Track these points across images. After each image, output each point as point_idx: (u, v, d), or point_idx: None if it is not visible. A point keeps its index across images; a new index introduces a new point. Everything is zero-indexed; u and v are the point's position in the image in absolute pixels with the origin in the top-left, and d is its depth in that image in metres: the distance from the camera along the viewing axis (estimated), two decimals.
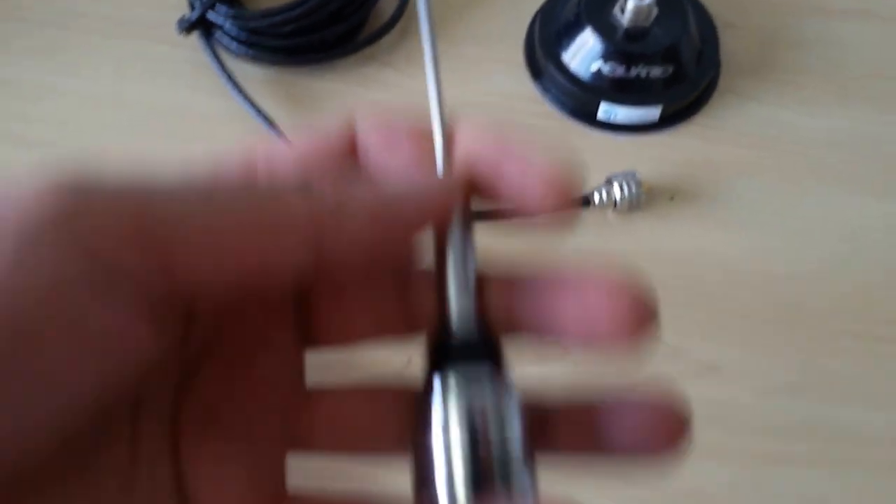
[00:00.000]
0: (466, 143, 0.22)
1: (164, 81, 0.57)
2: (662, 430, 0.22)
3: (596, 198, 0.52)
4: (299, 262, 0.20)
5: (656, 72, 0.55)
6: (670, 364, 0.50)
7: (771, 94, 0.58)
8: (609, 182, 0.52)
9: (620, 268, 0.21)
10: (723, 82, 0.58)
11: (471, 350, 0.22)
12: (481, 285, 0.23)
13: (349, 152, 0.23)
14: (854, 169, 0.55)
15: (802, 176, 0.55)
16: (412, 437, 0.22)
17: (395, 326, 0.24)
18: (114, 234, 0.18)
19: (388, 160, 0.22)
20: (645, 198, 0.52)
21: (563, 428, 0.23)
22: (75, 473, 0.20)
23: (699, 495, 0.47)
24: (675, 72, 0.55)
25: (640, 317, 0.21)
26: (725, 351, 0.50)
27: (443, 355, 0.22)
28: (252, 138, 0.54)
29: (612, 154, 0.55)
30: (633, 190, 0.52)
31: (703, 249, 0.53)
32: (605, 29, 0.55)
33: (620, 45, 0.54)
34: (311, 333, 0.24)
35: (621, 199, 0.51)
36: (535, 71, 0.58)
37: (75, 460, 0.20)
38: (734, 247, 0.53)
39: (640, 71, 0.55)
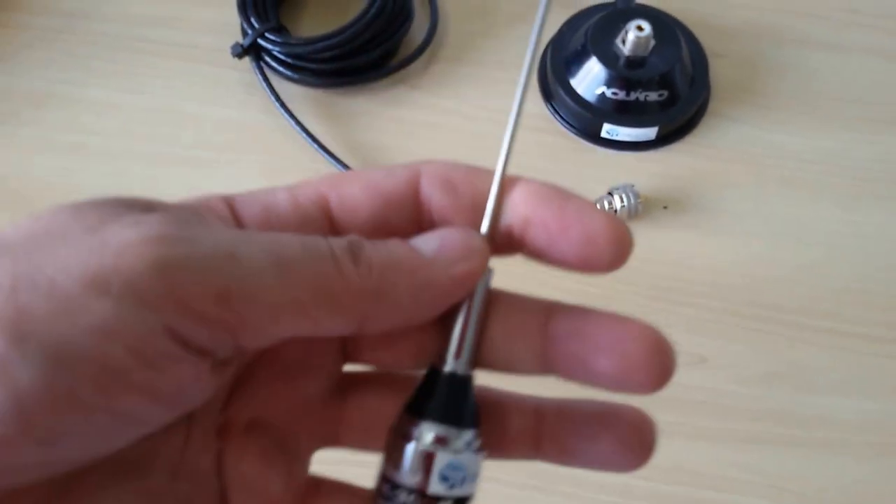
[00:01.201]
0: (523, 202, 0.23)
1: (219, 100, 0.60)
2: (631, 444, 0.23)
3: (598, 208, 0.56)
4: (344, 329, 0.21)
5: (653, 96, 0.58)
6: None
7: (753, 116, 0.60)
8: (610, 193, 0.55)
9: (648, 324, 0.22)
10: (712, 106, 0.61)
11: (453, 406, 0.22)
12: (510, 317, 0.23)
13: (413, 196, 0.23)
14: (824, 183, 0.58)
15: (779, 189, 0.58)
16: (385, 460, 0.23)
17: (419, 353, 0.24)
18: (201, 292, 0.18)
19: (445, 208, 0.23)
20: (642, 207, 0.55)
21: (546, 440, 0.24)
22: (131, 466, 0.21)
23: (686, 471, 0.49)
24: (669, 96, 0.58)
25: (667, 368, 0.21)
26: (711, 344, 0.52)
27: (427, 397, 0.23)
28: (328, 172, 0.53)
29: (613, 169, 0.58)
30: (632, 200, 0.55)
31: (693, 253, 0.55)
32: (609, 58, 0.58)
33: (622, 72, 0.57)
34: (349, 355, 0.25)
35: (621, 208, 0.55)
36: (547, 94, 0.61)
37: (133, 455, 0.21)
38: (720, 251, 0.55)
39: (639, 95, 0.58)
